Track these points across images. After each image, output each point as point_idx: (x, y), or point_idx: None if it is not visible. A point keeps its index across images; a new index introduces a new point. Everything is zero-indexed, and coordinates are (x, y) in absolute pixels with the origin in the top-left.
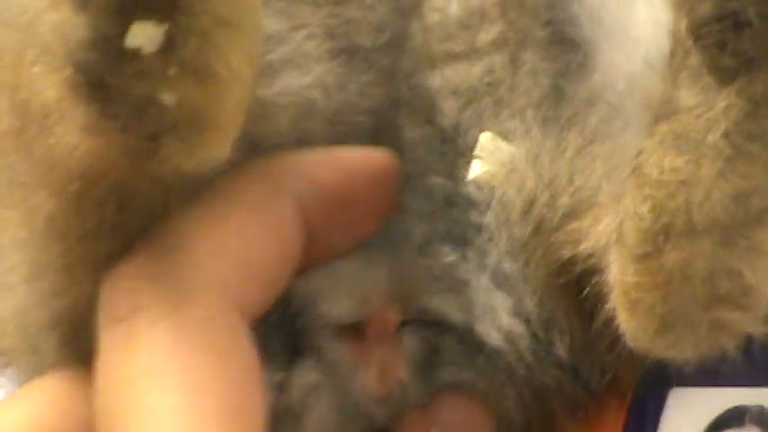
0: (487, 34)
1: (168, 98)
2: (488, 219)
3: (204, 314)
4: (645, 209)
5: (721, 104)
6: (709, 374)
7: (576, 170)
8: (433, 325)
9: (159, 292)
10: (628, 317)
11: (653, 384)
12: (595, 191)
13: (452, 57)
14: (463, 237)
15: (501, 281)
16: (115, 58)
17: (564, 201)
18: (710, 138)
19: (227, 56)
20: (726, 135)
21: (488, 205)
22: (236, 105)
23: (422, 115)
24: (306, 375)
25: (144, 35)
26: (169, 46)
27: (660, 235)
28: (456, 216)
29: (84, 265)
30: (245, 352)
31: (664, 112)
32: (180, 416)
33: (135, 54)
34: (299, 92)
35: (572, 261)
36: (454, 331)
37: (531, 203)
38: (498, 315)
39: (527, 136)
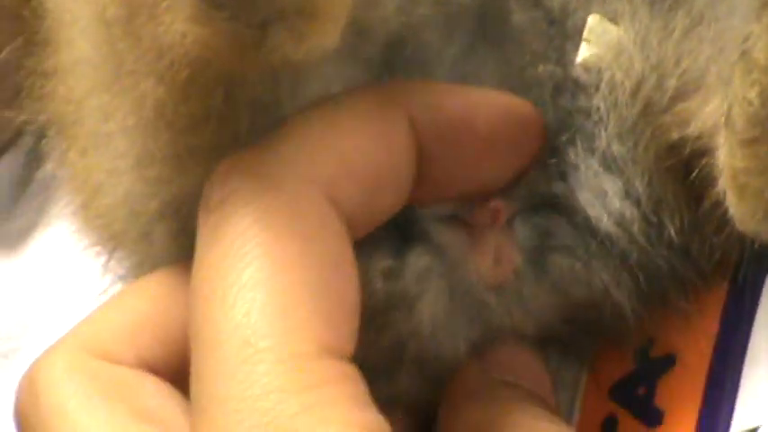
0: None
1: None
2: (597, 102)
3: (291, 199)
4: (753, 94)
5: None
6: None
7: (684, 52)
8: (545, 212)
9: (250, 178)
10: (736, 201)
11: (755, 265)
12: (703, 73)
13: None
14: (572, 121)
15: (611, 163)
16: None
17: (671, 83)
18: None
19: None
20: None
21: (597, 88)
22: None
23: None
24: (418, 260)
25: None
26: None
27: None
28: (564, 102)
29: (192, 155)
30: (331, 239)
31: None
32: (260, 287)
33: None
34: None
35: (680, 143)
36: (566, 217)
37: (638, 85)
38: (609, 198)
39: (634, 18)
